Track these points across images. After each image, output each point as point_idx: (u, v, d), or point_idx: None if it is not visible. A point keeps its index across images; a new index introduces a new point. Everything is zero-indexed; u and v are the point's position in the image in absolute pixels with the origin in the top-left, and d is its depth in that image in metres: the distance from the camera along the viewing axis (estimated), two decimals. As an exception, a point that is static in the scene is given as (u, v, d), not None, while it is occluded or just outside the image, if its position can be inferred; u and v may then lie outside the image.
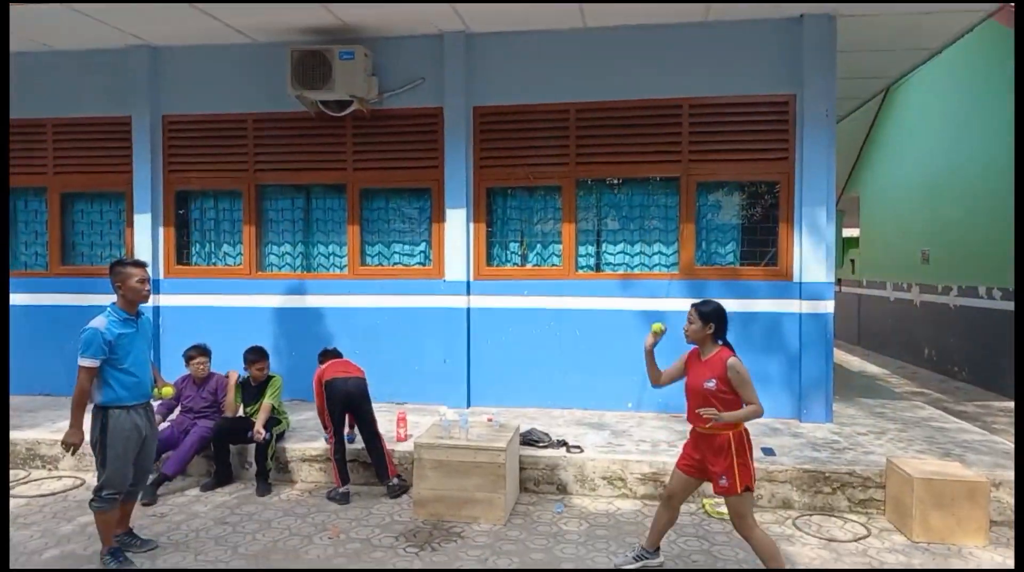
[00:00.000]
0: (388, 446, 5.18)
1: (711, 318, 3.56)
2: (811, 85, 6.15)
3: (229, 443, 5.30)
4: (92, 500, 3.83)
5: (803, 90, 6.18)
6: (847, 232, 16.38)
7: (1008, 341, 8.21)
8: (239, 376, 5.52)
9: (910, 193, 11.20)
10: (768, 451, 5.15)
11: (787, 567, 3.47)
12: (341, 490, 4.93)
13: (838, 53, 6.20)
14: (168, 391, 4.39)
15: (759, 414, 3.44)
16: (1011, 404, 8.00)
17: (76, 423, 3.81)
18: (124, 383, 3.81)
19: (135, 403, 3.88)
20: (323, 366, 5.25)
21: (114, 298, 3.92)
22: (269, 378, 5.50)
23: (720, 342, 3.61)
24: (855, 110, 9.97)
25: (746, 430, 3.53)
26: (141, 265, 3.95)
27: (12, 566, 3.87)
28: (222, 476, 5.25)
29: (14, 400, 6.97)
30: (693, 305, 3.64)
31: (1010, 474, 4.65)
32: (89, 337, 3.72)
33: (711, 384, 3.51)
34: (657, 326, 3.77)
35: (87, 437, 3.86)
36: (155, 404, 4.53)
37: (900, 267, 11.60)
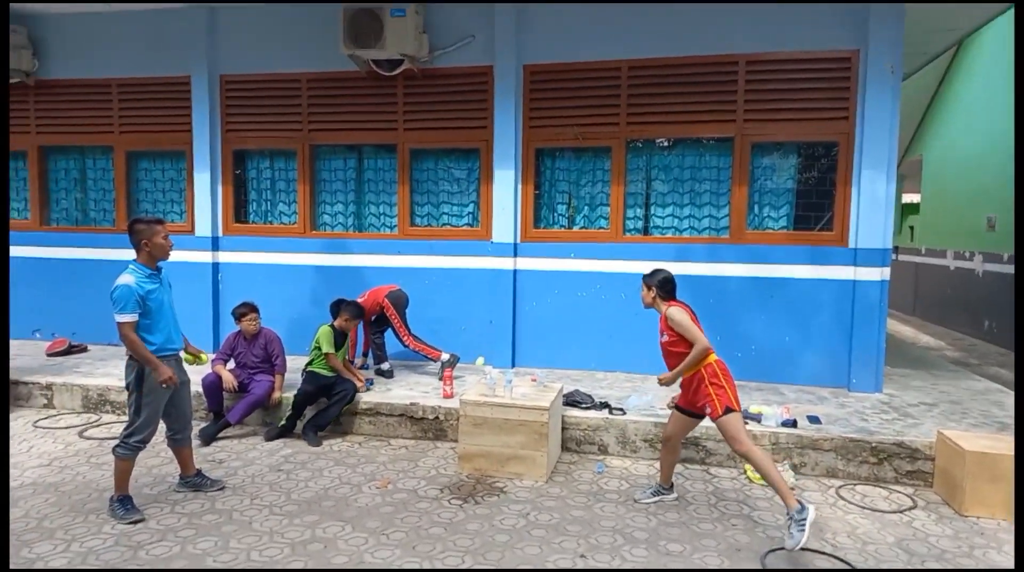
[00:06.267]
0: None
1: (653, 284, 4.07)
2: (876, 40, 5.87)
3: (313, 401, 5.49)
4: (118, 445, 3.96)
5: (867, 45, 5.91)
6: (907, 198, 15.72)
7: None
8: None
9: (979, 155, 10.64)
10: (814, 419, 5.12)
11: (783, 481, 3.70)
12: (445, 357, 6.12)
13: (906, 5, 5.89)
14: (204, 358, 4.30)
15: (701, 352, 3.86)
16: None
17: (155, 363, 3.89)
18: (157, 336, 3.94)
19: (167, 354, 4.00)
20: (367, 296, 6.27)
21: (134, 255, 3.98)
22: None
23: (668, 300, 4.06)
24: (923, 66, 9.45)
25: (719, 363, 3.94)
26: (163, 222, 4.06)
27: (91, 504, 4.18)
28: (287, 429, 5.42)
29: (90, 349, 7.43)
30: (643, 276, 4.16)
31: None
32: (123, 293, 3.81)
33: (664, 337, 4.04)
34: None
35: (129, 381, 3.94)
36: (211, 357, 4.77)
37: (963, 234, 11.11)
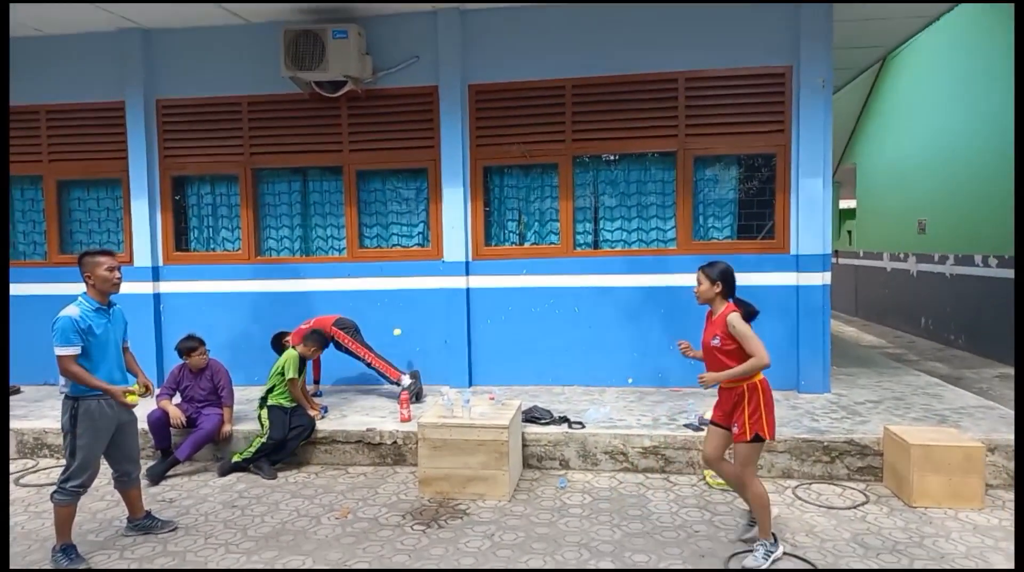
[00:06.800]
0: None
1: (717, 278, 3.74)
2: (807, 56, 6.12)
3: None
4: (55, 491, 3.73)
5: (799, 61, 6.15)
6: (844, 203, 16.38)
7: (1004, 308, 8.26)
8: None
9: (907, 163, 11.18)
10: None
11: (769, 516, 3.69)
12: (407, 381, 5.98)
13: (834, 22, 6.17)
14: (133, 399, 3.84)
15: (758, 367, 3.56)
16: (1008, 369, 8.09)
17: (107, 388, 3.72)
18: (97, 374, 3.73)
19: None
20: (311, 324, 6.05)
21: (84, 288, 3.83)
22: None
23: (728, 300, 3.76)
24: (852, 80, 9.92)
25: (764, 382, 3.65)
26: (109, 253, 3.90)
27: (31, 556, 3.94)
28: (241, 464, 5.18)
29: (24, 390, 7.03)
30: (700, 267, 3.81)
31: (1006, 437, 4.73)
32: (64, 325, 3.64)
33: (716, 341, 3.71)
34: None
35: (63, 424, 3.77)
36: (156, 391, 4.61)
37: (897, 237, 11.62)
